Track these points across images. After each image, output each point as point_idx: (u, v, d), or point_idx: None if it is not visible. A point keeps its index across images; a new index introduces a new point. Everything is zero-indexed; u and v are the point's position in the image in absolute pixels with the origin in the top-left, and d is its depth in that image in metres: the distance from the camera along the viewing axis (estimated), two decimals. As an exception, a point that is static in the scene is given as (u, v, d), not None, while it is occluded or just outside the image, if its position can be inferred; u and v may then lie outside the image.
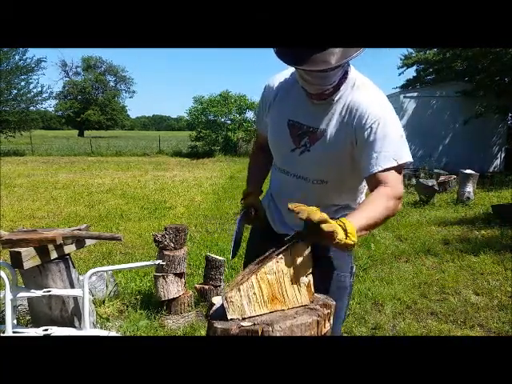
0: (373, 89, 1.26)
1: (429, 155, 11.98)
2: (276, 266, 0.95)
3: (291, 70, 1.34)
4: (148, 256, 4.23)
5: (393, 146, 1.19)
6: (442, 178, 8.59)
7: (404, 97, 12.52)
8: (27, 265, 2.08)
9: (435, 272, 3.89)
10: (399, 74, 22.25)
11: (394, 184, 1.17)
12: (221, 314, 0.94)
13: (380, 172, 1.17)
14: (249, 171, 1.61)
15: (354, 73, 1.27)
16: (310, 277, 1.01)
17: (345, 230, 0.98)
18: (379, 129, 1.18)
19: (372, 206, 1.12)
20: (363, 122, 1.20)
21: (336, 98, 1.24)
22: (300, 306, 0.99)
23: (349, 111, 1.23)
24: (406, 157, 1.22)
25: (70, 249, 2.33)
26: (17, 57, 19.38)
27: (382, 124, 1.19)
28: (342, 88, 1.23)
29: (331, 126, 1.25)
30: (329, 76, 1.15)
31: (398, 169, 1.20)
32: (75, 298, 2.31)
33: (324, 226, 0.94)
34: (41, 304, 2.28)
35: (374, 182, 1.19)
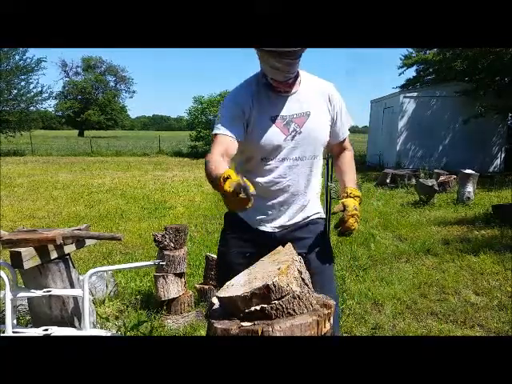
0: (313, 76, 1.60)
1: (429, 155, 12.00)
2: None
3: (245, 83, 1.55)
4: (148, 256, 4.23)
5: (348, 117, 1.64)
6: (442, 178, 8.60)
7: (404, 97, 12.52)
8: (27, 265, 2.08)
9: (435, 272, 3.89)
10: (399, 74, 22.24)
11: (350, 146, 1.71)
12: (220, 313, 0.94)
13: (345, 139, 1.66)
14: (218, 170, 1.39)
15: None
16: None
17: (358, 197, 1.52)
18: (342, 104, 1.59)
19: (352, 170, 1.65)
20: (334, 99, 1.56)
21: (300, 87, 1.51)
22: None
23: (320, 93, 1.55)
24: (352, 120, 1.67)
25: (70, 249, 2.33)
26: (17, 57, 19.39)
27: (341, 100, 1.60)
28: (298, 79, 1.50)
29: (312, 106, 1.52)
30: (294, 64, 1.38)
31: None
32: (75, 298, 2.31)
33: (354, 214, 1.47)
34: (41, 304, 2.28)
35: (343, 145, 1.67)
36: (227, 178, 1.19)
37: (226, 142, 1.47)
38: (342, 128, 1.62)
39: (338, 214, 1.49)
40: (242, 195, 1.12)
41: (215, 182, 1.23)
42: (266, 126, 1.49)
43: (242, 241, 1.59)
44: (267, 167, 1.54)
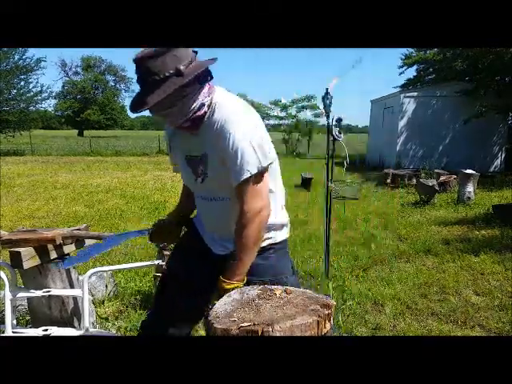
0: (226, 106, 1.34)
1: (429, 155, 12.00)
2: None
3: None
4: (148, 256, 4.22)
5: (247, 157, 1.27)
6: (442, 178, 8.59)
7: (404, 97, 12.52)
8: (27, 265, 2.08)
9: (435, 272, 3.88)
10: (399, 74, 22.24)
11: (249, 200, 1.29)
12: (220, 313, 0.94)
13: (239, 185, 1.29)
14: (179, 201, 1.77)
15: (215, 95, 1.36)
16: None
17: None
18: (232, 143, 1.27)
19: (243, 248, 1.31)
20: (220, 139, 1.30)
21: (204, 125, 1.35)
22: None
23: (214, 132, 1.32)
24: (259, 165, 1.29)
25: (69, 249, 2.33)
26: (16, 56, 19.39)
27: (234, 138, 1.27)
28: (204, 114, 1.34)
29: (209, 148, 1.36)
30: (171, 113, 1.29)
31: (256, 178, 1.30)
32: (75, 298, 2.31)
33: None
34: (40, 304, 2.28)
35: (237, 194, 1.32)
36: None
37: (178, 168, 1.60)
38: (233, 173, 1.29)
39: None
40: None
41: None
42: (183, 165, 1.50)
43: (195, 239, 1.63)
44: (195, 200, 1.59)
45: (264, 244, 1.45)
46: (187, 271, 1.60)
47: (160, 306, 1.66)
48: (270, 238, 1.49)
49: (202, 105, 1.32)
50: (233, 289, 1.17)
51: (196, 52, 1.28)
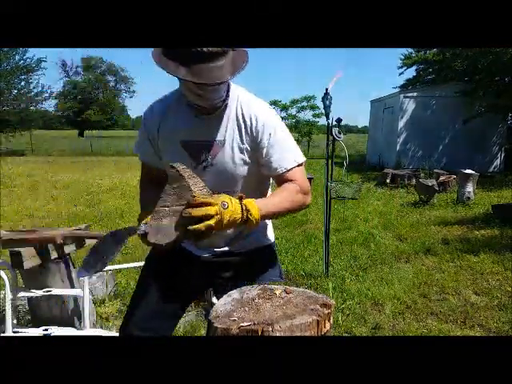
0: (259, 101, 1.36)
1: (429, 155, 12.00)
2: None
3: (164, 96, 1.39)
4: (148, 256, 4.22)
5: (291, 148, 1.35)
6: (441, 178, 8.60)
7: (404, 97, 12.53)
8: (27, 265, 2.08)
9: (435, 272, 3.89)
10: (399, 74, 22.25)
11: (301, 180, 1.33)
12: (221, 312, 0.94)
13: (285, 172, 1.31)
14: (143, 206, 1.45)
15: (234, 86, 1.35)
16: None
17: (247, 210, 1.12)
18: (277, 133, 1.31)
19: (279, 197, 1.27)
20: (262, 129, 1.30)
21: (226, 111, 1.30)
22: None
23: (247, 121, 1.30)
24: (302, 157, 1.37)
25: (69, 249, 2.34)
26: (17, 57, 19.42)
27: (278, 130, 1.32)
28: (228, 100, 1.30)
29: (230, 136, 1.30)
30: (220, 89, 1.21)
31: (300, 167, 1.35)
32: (75, 298, 2.31)
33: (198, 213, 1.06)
34: (41, 304, 2.28)
35: (283, 182, 1.32)
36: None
37: (144, 165, 1.46)
38: (279, 161, 1.31)
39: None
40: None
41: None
42: (177, 152, 1.33)
43: (167, 259, 1.43)
44: None
45: (253, 247, 1.45)
46: (167, 276, 1.47)
47: (138, 305, 1.48)
48: (263, 240, 1.49)
49: (228, 89, 1.30)
50: (245, 210, 1.11)
51: None
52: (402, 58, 17.94)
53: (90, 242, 2.50)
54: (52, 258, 2.21)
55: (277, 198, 1.27)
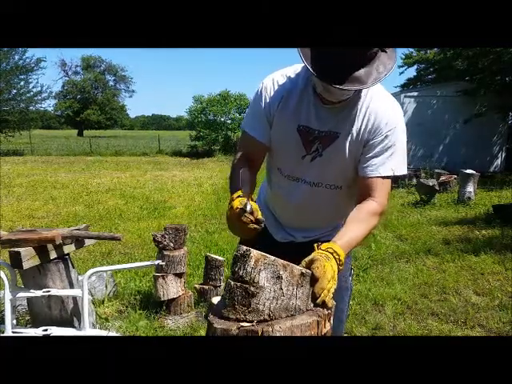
0: (388, 97, 1.26)
1: (429, 155, 11.99)
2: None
3: (291, 70, 1.29)
4: (148, 256, 4.22)
5: (397, 157, 1.23)
6: (442, 178, 8.60)
7: (405, 96, 12.52)
8: (27, 265, 2.08)
9: (436, 272, 3.88)
10: (400, 74, 22.22)
11: (383, 198, 1.22)
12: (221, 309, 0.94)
13: (376, 178, 1.21)
14: (232, 185, 1.29)
15: None
16: None
17: (339, 261, 1.02)
18: (392, 138, 1.21)
19: (360, 228, 1.16)
20: (379, 128, 1.21)
21: (350, 103, 1.22)
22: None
23: (367, 117, 1.22)
24: (403, 170, 1.26)
25: (69, 249, 2.33)
26: (16, 56, 19.39)
27: (396, 134, 1.22)
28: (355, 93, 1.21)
29: (346, 129, 1.24)
30: (351, 91, 1.14)
31: (390, 180, 1.24)
32: (75, 298, 2.30)
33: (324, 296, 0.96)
34: (40, 304, 2.28)
35: (367, 187, 1.23)
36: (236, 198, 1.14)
37: (248, 145, 1.33)
38: (377, 165, 1.22)
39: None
40: (246, 219, 1.07)
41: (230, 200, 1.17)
42: (290, 136, 1.27)
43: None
44: (280, 181, 1.38)
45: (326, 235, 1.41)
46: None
47: None
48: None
49: None
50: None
51: None
52: (403, 57, 17.97)
53: (89, 242, 2.50)
54: (51, 258, 2.21)
55: (355, 231, 1.15)
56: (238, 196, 1.14)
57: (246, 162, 1.31)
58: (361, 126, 1.22)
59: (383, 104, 1.23)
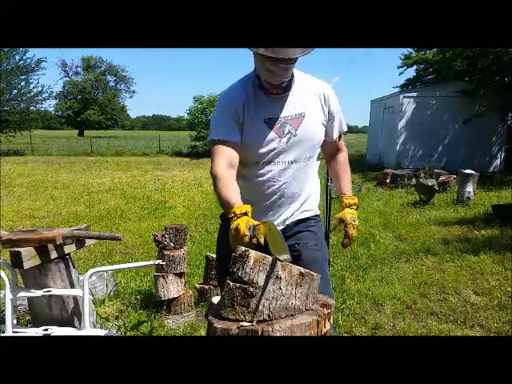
0: (310, 77, 1.58)
1: (429, 155, 11.98)
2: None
3: (237, 84, 1.51)
4: (148, 256, 4.23)
5: (341, 113, 1.62)
6: (441, 178, 8.59)
7: (404, 97, 12.51)
8: (27, 265, 2.08)
9: (435, 272, 3.88)
10: (399, 74, 22.21)
11: (345, 147, 1.72)
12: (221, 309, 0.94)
13: (339, 137, 1.65)
14: (228, 192, 1.33)
15: (296, 71, 1.54)
16: None
17: (355, 204, 1.62)
18: (335, 99, 1.57)
19: (348, 173, 1.71)
20: (330, 99, 1.55)
21: (294, 88, 1.48)
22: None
23: (313, 92, 1.52)
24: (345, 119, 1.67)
25: (69, 249, 2.33)
26: (17, 57, 19.36)
27: (335, 96, 1.58)
28: (292, 80, 1.47)
29: (308, 107, 1.50)
30: (289, 68, 1.36)
31: None
32: (75, 298, 2.30)
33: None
34: (41, 304, 2.28)
35: (336, 145, 1.68)
36: (243, 214, 1.20)
37: (227, 149, 1.41)
38: (337, 128, 1.61)
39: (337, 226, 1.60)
40: (253, 240, 1.12)
41: (226, 210, 1.27)
42: (261, 129, 1.47)
43: None
44: (261, 171, 1.52)
45: (308, 215, 1.64)
46: None
47: None
48: (313, 209, 1.67)
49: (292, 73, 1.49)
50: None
51: None
52: (402, 57, 17.93)
53: (89, 242, 2.50)
54: (52, 257, 2.21)
55: (347, 175, 1.69)
56: (241, 213, 1.21)
57: (230, 168, 1.41)
58: (316, 101, 1.52)
59: (314, 79, 1.56)
